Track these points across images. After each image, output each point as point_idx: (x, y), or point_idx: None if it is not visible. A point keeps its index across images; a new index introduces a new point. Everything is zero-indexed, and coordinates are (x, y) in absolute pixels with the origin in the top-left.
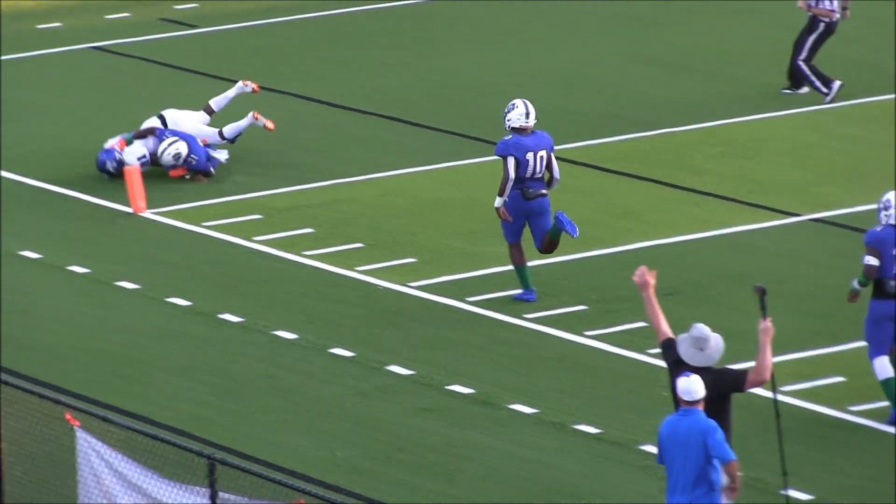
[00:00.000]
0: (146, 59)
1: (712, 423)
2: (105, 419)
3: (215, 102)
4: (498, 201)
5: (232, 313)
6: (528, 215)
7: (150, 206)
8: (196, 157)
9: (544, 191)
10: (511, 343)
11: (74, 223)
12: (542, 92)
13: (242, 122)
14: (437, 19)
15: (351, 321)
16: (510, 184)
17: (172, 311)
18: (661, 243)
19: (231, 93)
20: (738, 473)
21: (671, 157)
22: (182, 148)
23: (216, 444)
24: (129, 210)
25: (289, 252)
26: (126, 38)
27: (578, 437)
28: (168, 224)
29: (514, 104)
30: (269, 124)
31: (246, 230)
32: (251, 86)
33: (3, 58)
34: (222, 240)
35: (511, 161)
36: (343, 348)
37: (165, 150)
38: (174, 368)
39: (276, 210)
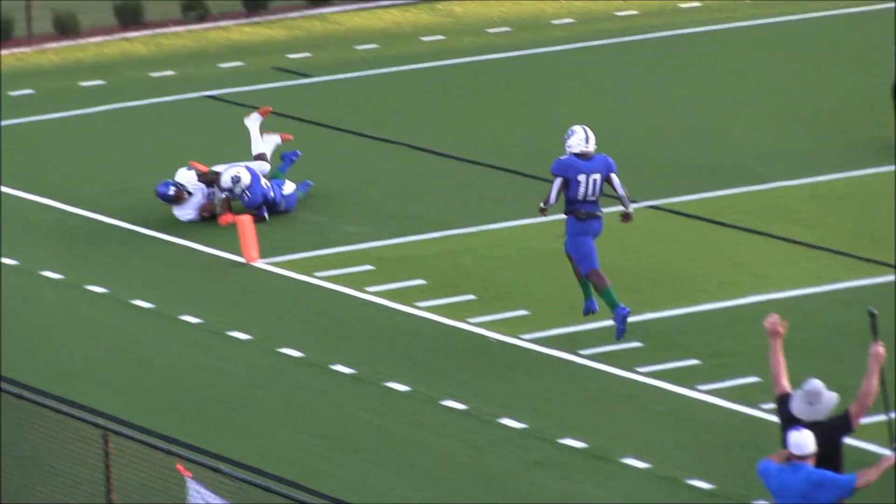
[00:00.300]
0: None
1: (820, 470)
2: (216, 470)
3: (255, 148)
4: (541, 205)
5: (344, 364)
6: (593, 236)
7: (262, 255)
8: (250, 195)
9: (598, 213)
10: (623, 396)
11: (187, 272)
12: (653, 143)
13: (258, 136)
14: (547, 69)
15: (463, 373)
16: (551, 202)
17: (284, 362)
18: (775, 297)
19: (255, 133)
20: (871, 478)
21: (784, 211)
22: (244, 174)
23: (328, 496)
24: (242, 260)
25: (401, 303)
26: (239, 86)
27: (691, 492)
28: (280, 274)
29: (573, 130)
30: (285, 136)
31: (358, 281)
32: (255, 115)
33: (116, 105)
34: (334, 290)
35: (558, 181)
36: (455, 401)
37: (226, 170)
38: (286, 419)
39: (387, 261)
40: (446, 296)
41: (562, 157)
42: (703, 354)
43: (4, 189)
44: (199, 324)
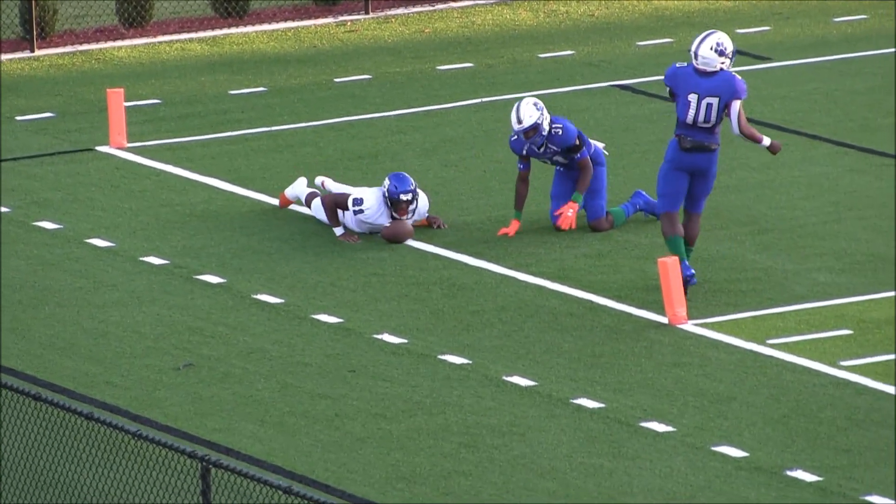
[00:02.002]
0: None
1: None
2: None
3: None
4: None
5: (807, 470)
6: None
7: (692, 314)
8: (563, 129)
9: (710, 145)
10: None
11: (587, 335)
12: None
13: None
14: None
15: None
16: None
17: (723, 466)
18: None
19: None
20: None
21: None
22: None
23: None
24: (664, 320)
25: (890, 384)
26: None
27: None
28: (716, 340)
29: (710, 32)
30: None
31: (828, 352)
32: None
33: None
34: (795, 364)
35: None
36: None
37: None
38: None
39: (871, 324)
40: None
41: (680, 65)
42: None
43: None
44: (598, 409)
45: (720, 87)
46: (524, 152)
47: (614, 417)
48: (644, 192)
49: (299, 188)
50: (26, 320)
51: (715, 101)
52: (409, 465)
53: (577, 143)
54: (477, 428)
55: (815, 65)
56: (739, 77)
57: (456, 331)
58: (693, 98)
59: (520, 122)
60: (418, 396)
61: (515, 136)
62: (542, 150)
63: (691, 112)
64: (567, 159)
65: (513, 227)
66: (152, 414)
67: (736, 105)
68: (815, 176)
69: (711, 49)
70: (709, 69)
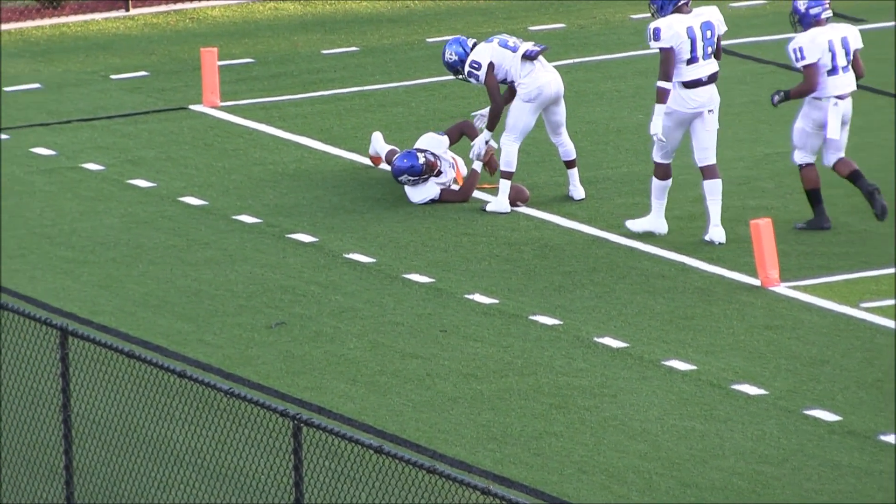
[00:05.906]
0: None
1: None
2: None
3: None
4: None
5: None
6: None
7: (784, 277)
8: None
9: None
10: None
11: (677, 297)
12: None
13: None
14: None
15: None
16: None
17: (815, 429)
18: None
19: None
20: None
21: None
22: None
23: None
24: (756, 283)
25: None
26: None
27: None
28: (809, 303)
29: None
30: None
31: None
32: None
33: None
34: (886, 328)
35: None
36: None
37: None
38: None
39: None
40: None
41: None
42: None
43: None
44: (690, 371)
45: None
46: None
47: (706, 380)
48: None
49: (378, 145)
50: (120, 278)
51: None
52: (500, 425)
53: None
54: (568, 389)
55: None
56: None
57: (547, 291)
58: None
59: None
60: (509, 357)
61: None
62: None
63: None
64: None
65: None
66: (244, 372)
67: None
68: None
69: None
70: None
